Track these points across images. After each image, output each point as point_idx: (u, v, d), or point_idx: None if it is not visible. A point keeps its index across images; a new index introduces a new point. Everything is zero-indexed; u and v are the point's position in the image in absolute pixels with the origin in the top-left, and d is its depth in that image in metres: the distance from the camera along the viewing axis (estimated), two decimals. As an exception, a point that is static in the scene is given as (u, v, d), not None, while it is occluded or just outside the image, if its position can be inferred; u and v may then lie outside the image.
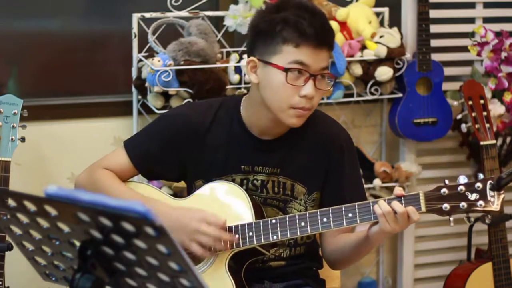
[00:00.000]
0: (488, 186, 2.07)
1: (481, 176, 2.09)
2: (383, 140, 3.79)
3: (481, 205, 2.07)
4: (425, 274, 3.89)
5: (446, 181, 2.10)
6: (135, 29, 3.30)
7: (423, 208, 2.08)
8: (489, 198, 2.07)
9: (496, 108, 3.54)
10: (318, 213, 2.16)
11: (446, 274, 3.56)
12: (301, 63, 2.16)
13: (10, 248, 2.82)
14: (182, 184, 2.52)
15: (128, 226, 1.36)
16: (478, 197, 2.07)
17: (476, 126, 3.40)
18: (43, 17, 3.48)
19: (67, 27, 3.50)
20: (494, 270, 3.38)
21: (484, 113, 3.41)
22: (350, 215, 2.13)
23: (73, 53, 3.47)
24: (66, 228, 1.48)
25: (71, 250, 1.54)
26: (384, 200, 2.11)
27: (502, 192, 2.07)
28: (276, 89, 2.19)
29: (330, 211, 2.15)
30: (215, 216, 2.17)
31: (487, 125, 3.40)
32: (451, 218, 2.11)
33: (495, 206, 2.07)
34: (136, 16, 3.29)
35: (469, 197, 2.08)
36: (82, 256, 1.46)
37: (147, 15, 3.30)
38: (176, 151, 2.33)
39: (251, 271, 2.29)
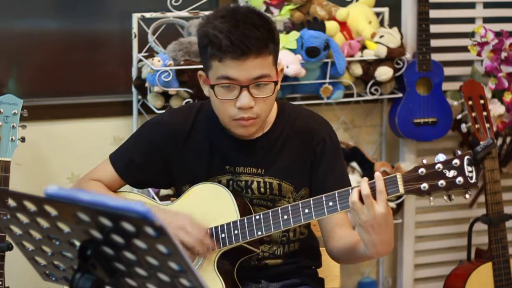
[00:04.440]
0: (465, 161, 2.02)
1: (458, 152, 2.04)
2: (383, 140, 3.79)
3: (459, 181, 2.01)
4: (425, 274, 3.90)
5: (424, 161, 2.05)
6: (135, 29, 3.30)
7: (402, 190, 2.03)
8: (467, 173, 2.02)
9: (496, 108, 3.54)
10: (300, 204, 2.15)
11: (446, 274, 3.56)
12: (227, 77, 2.13)
13: (10, 248, 2.82)
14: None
15: (128, 226, 1.36)
16: (456, 173, 2.02)
17: (476, 126, 3.39)
18: (43, 17, 3.48)
19: (67, 27, 3.50)
20: (494, 270, 3.38)
21: (484, 113, 3.41)
22: (330, 203, 2.10)
23: (73, 53, 3.48)
24: (66, 228, 1.48)
25: (71, 250, 1.54)
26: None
27: (480, 166, 2.02)
28: (215, 103, 2.20)
29: (311, 201, 2.13)
30: (198, 221, 2.19)
31: (487, 125, 3.40)
32: (431, 198, 2.07)
33: (473, 181, 2.02)
34: (136, 16, 3.29)
35: (447, 174, 2.02)
36: (82, 256, 1.46)
37: (147, 15, 3.30)
38: (159, 158, 2.33)
39: (247, 270, 2.29)
